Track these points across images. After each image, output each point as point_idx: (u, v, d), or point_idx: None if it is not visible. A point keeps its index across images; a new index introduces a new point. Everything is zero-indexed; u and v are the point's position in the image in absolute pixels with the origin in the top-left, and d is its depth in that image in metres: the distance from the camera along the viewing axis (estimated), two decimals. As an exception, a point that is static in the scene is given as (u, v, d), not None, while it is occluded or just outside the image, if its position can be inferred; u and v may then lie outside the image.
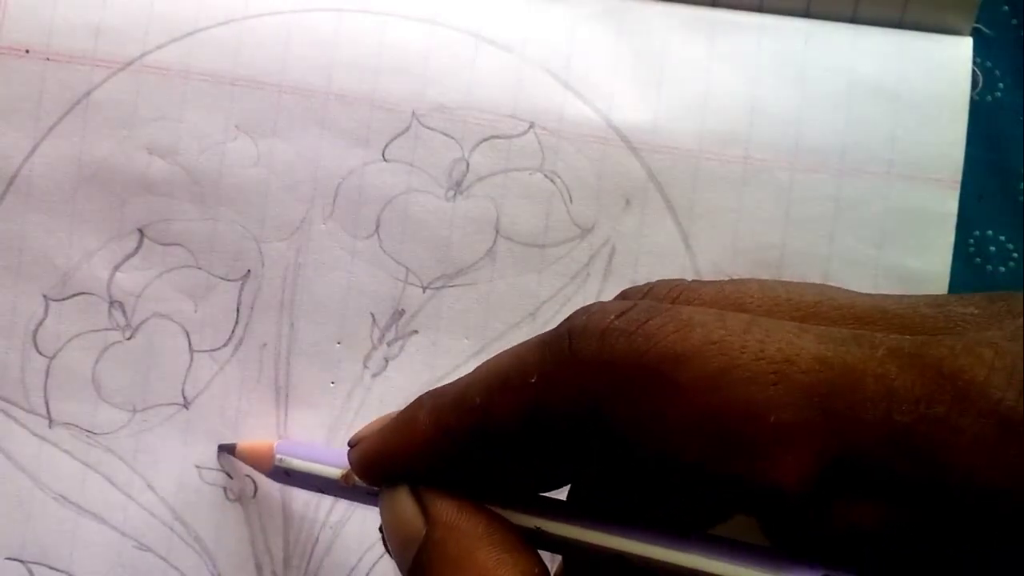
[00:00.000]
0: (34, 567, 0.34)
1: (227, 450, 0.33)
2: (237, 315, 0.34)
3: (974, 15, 0.34)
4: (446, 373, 0.34)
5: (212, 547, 0.34)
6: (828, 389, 0.19)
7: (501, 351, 0.22)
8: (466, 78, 0.34)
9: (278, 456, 0.29)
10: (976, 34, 0.34)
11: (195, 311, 0.34)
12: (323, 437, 0.34)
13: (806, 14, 0.34)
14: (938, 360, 0.18)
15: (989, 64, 0.35)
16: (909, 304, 0.21)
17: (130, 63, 0.34)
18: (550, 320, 0.34)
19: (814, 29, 0.34)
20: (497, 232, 0.34)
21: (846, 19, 0.34)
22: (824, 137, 0.34)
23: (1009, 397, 0.18)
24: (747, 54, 0.34)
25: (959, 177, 0.34)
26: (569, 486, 0.25)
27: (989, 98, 0.35)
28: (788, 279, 0.31)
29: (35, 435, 0.34)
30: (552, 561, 0.23)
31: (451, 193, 0.34)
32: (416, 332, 0.34)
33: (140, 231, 0.34)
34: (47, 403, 0.34)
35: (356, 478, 0.25)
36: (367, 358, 0.34)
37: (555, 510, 0.22)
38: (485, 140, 0.34)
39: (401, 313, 0.34)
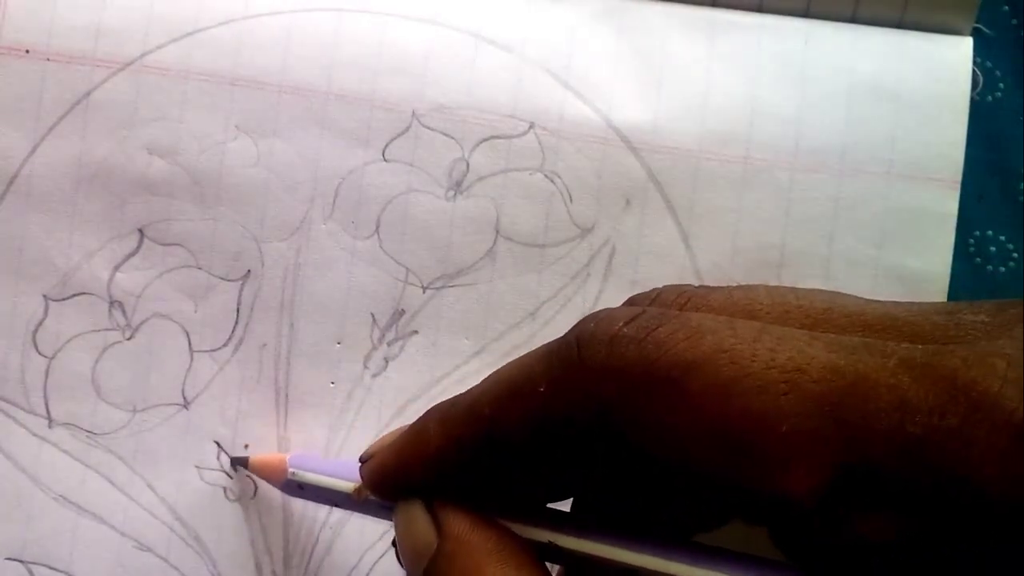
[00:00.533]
0: (34, 567, 0.34)
1: (239, 463, 0.33)
2: (237, 315, 0.34)
3: (974, 15, 0.34)
4: (446, 373, 0.34)
5: (212, 547, 0.34)
6: (840, 399, 0.18)
7: (510, 360, 0.22)
8: (466, 78, 0.34)
9: (291, 470, 0.29)
10: (976, 34, 0.34)
11: (195, 311, 0.34)
12: (323, 437, 0.34)
13: (806, 14, 0.34)
14: (951, 371, 0.18)
15: (989, 64, 0.35)
16: (919, 311, 0.21)
17: (130, 63, 0.34)
18: (550, 320, 0.34)
19: (814, 29, 0.34)
20: (497, 232, 0.34)
21: (846, 19, 0.34)
22: (824, 137, 0.34)
23: (1022, 409, 0.17)
24: (747, 54, 0.34)
25: (959, 177, 0.34)
26: (572, 500, 0.25)
27: (989, 98, 0.35)
28: (788, 280, 0.31)
29: (35, 435, 0.34)
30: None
31: (451, 193, 0.34)
32: (416, 332, 0.34)
33: (140, 231, 0.34)
34: (47, 403, 0.34)
35: (368, 493, 0.25)
36: (367, 358, 0.34)
37: (568, 524, 0.22)
38: (485, 140, 0.34)
39: (401, 313, 0.34)
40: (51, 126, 0.34)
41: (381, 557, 0.34)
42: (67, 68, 0.34)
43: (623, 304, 0.23)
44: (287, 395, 0.34)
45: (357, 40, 0.34)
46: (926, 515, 0.18)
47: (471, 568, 0.21)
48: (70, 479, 0.34)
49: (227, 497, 0.34)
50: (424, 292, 0.34)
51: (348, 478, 0.26)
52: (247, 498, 0.34)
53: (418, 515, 0.23)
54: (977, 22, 0.34)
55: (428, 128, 0.34)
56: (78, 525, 0.34)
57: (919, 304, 0.22)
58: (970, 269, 0.35)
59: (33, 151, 0.34)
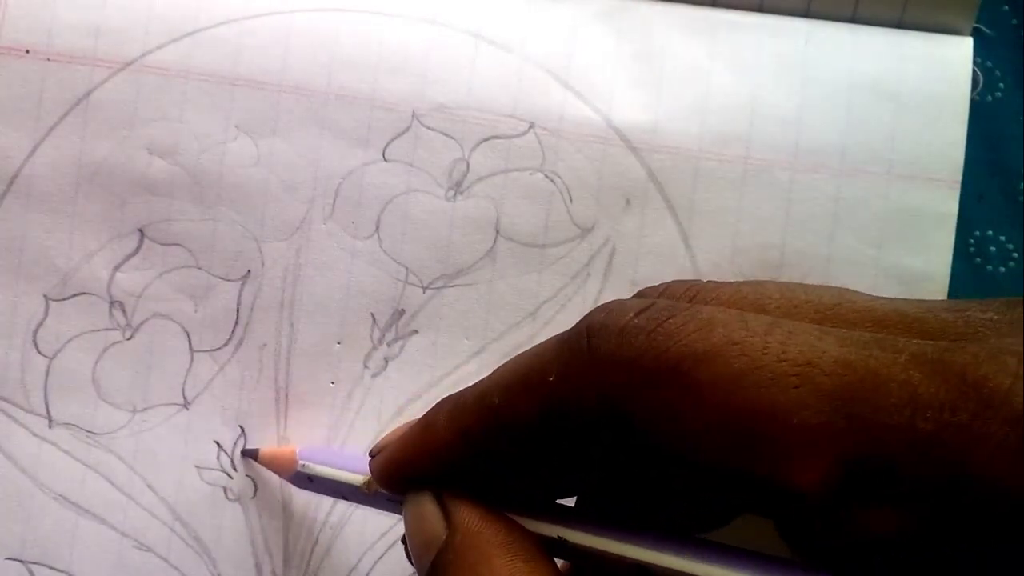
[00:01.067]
0: (34, 567, 0.34)
1: (250, 455, 0.34)
2: (237, 315, 0.34)
3: (974, 15, 0.34)
4: (446, 373, 0.34)
5: (212, 547, 0.34)
6: (851, 393, 0.18)
7: (519, 353, 0.22)
8: (466, 78, 0.34)
9: (301, 462, 0.29)
10: (976, 34, 0.34)
11: (195, 311, 0.34)
12: (323, 437, 0.34)
13: (806, 14, 0.34)
14: (962, 367, 0.18)
15: (989, 64, 0.35)
16: (927, 308, 0.21)
17: (130, 63, 0.34)
18: (550, 320, 0.34)
19: (814, 29, 0.34)
20: (497, 232, 0.34)
21: (846, 19, 0.34)
22: (824, 137, 0.34)
23: None
24: (747, 54, 0.34)
25: (959, 177, 0.34)
26: (577, 497, 0.25)
27: (989, 98, 0.35)
28: (789, 279, 0.31)
29: (35, 435, 0.34)
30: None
31: (451, 193, 0.34)
32: (416, 332, 0.34)
33: (140, 231, 0.34)
34: (47, 403, 0.34)
35: (378, 486, 0.25)
36: (367, 358, 0.34)
37: (577, 519, 0.22)
38: (485, 140, 0.34)
39: (401, 313, 0.34)
40: (51, 126, 0.34)
41: (381, 557, 0.34)
42: (67, 68, 0.34)
43: (632, 297, 0.23)
44: (287, 395, 0.34)
45: (357, 40, 0.34)
46: (935, 511, 0.18)
47: (479, 560, 0.21)
48: (70, 479, 0.34)
49: (227, 497, 0.34)
50: (424, 292, 0.34)
51: (357, 471, 0.27)
52: (247, 498, 0.34)
53: (427, 507, 0.23)
54: (977, 22, 0.34)
55: (428, 128, 0.34)
56: (78, 525, 0.34)
57: (927, 301, 0.22)
58: (970, 269, 0.35)
59: (33, 151, 0.34)
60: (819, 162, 0.34)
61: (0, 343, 0.34)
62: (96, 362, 0.34)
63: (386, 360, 0.34)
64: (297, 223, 0.34)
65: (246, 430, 0.34)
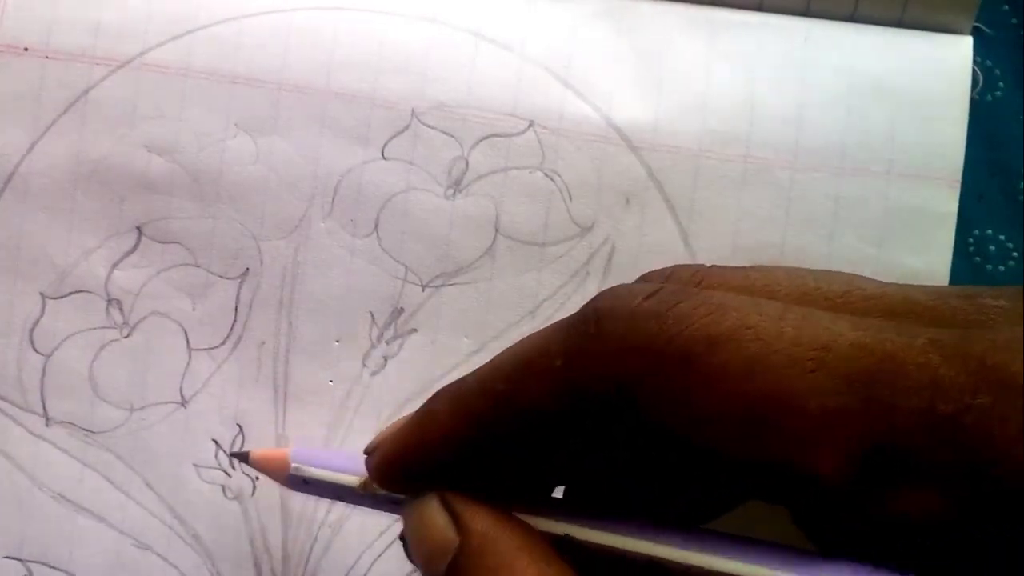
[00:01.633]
0: (33, 566, 0.34)
1: (240, 458, 0.33)
2: (235, 313, 0.34)
3: (974, 14, 0.34)
4: (445, 372, 0.34)
5: (211, 545, 0.34)
6: (869, 376, 0.18)
7: (520, 338, 0.21)
8: (466, 76, 0.34)
9: (294, 465, 0.29)
10: (976, 33, 0.34)
11: (193, 309, 0.34)
12: (322, 435, 0.34)
13: (806, 13, 0.34)
14: (981, 352, 0.18)
15: (989, 63, 0.35)
16: (938, 295, 0.21)
17: (129, 61, 0.34)
18: (550, 318, 0.34)
19: (814, 28, 0.34)
20: (496, 230, 0.34)
21: (846, 18, 0.34)
22: (824, 136, 0.34)
23: None
24: (747, 53, 0.34)
25: (959, 176, 0.34)
26: (576, 489, 0.24)
27: (989, 97, 0.35)
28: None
29: (32, 434, 0.34)
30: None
31: (450, 191, 0.34)
32: (415, 331, 0.34)
33: (138, 229, 0.34)
34: (44, 401, 0.34)
35: (376, 486, 0.24)
36: (366, 356, 0.34)
37: (583, 515, 0.21)
38: (485, 138, 0.34)
39: (400, 311, 0.34)
40: (50, 124, 0.34)
41: (380, 556, 0.34)
42: (66, 66, 0.34)
43: (636, 281, 0.23)
44: (286, 393, 0.34)
45: (356, 38, 0.34)
46: (956, 494, 0.18)
47: (501, 564, 0.21)
48: (68, 477, 0.34)
49: (226, 495, 0.34)
50: (423, 290, 0.34)
51: (353, 471, 0.26)
52: (246, 496, 0.34)
53: (435, 510, 0.22)
54: (977, 21, 0.34)
55: (427, 126, 0.34)
56: (76, 523, 0.34)
57: (938, 287, 0.22)
58: (970, 268, 0.35)
59: (31, 149, 0.34)
60: (819, 161, 0.34)
61: (-2, 341, 0.34)
62: (93, 360, 0.34)
63: (385, 359, 0.34)
64: (296, 221, 0.34)
65: (244, 428, 0.34)
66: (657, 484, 0.23)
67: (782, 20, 0.34)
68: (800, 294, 0.21)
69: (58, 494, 0.34)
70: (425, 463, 0.22)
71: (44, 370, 0.34)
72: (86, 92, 0.34)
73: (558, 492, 0.24)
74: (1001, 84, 0.35)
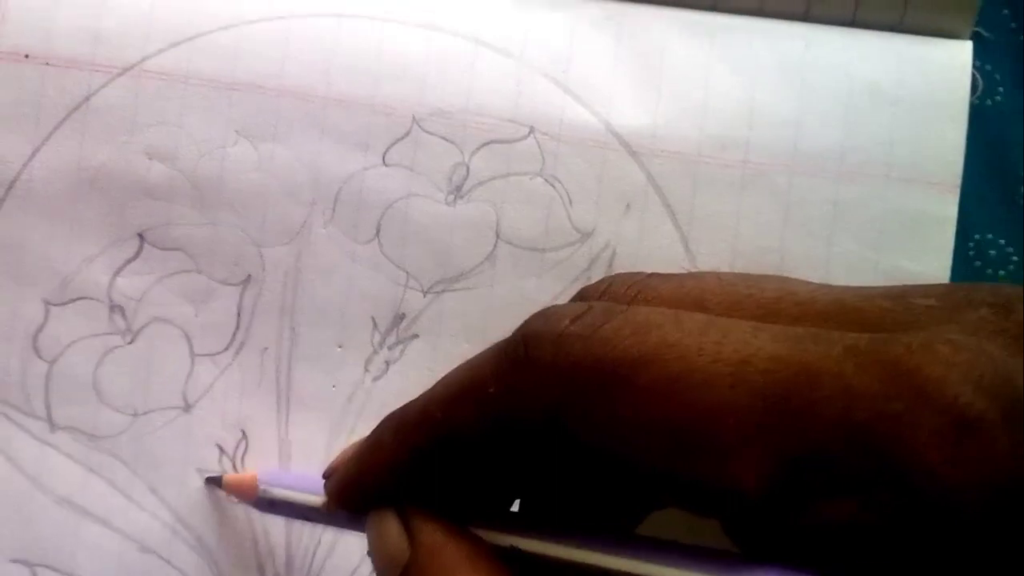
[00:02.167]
0: (39, 570, 0.34)
1: (214, 483, 0.34)
2: (238, 319, 0.34)
3: (974, 19, 0.34)
4: (447, 377, 0.34)
5: (215, 549, 0.34)
6: (784, 389, 0.18)
7: (460, 364, 0.22)
8: (466, 83, 0.34)
9: (262, 487, 0.29)
10: (976, 38, 0.34)
11: (196, 315, 0.34)
12: (324, 441, 0.34)
13: (805, 18, 0.34)
14: (895, 357, 0.18)
15: (989, 68, 0.35)
16: (867, 297, 0.21)
17: (130, 68, 0.34)
18: (550, 324, 0.34)
19: (813, 33, 0.34)
20: (497, 236, 0.34)
21: (845, 23, 0.34)
22: (823, 141, 0.34)
23: (965, 394, 0.17)
24: (746, 58, 0.34)
25: (959, 181, 0.34)
26: (522, 501, 0.25)
27: (989, 102, 0.35)
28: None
29: (37, 439, 0.34)
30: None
31: (451, 197, 0.34)
32: (417, 336, 0.34)
33: (140, 236, 0.34)
34: (48, 407, 0.34)
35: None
36: (368, 362, 0.34)
37: (531, 527, 0.22)
38: (485, 144, 0.34)
39: (402, 317, 0.34)
40: (50, 131, 0.34)
41: (383, 561, 0.34)
42: (66, 73, 0.34)
43: (574, 297, 0.23)
44: (288, 399, 0.34)
45: (356, 45, 0.34)
46: (878, 502, 0.18)
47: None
48: (72, 482, 0.34)
49: (229, 499, 0.34)
50: (425, 296, 0.34)
51: (320, 492, 0.26)
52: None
53: (390, 525, 0.23)
54: (977, 25, 0.34)
55: (428, 133, 0.34)
56: (81, 528, 0.34)
57: (869, 288, 0.21)
58: (969, 272, 0.35)
59: (32, 156, 0.34)
60: (818, 166, 0.34)
61: (0, 348, 0.34)
62: (97, 366, 0.34)
63: (387, 364, 0.34)
64: (297, 227, 0.34)
65: (247, 433, 0.34)
66: (597, 496, 0.23)
67: (781, 25, 0.34)
68: (731, 303, 0.22)
69: (62, 498, 0.34)
70: (376, 486, 0.23)
71: (48, 376, 0.34)
72: (87, 99, 0.34)
73: (516, 506, 0.25)
74: (1001, 88, 0.35)
